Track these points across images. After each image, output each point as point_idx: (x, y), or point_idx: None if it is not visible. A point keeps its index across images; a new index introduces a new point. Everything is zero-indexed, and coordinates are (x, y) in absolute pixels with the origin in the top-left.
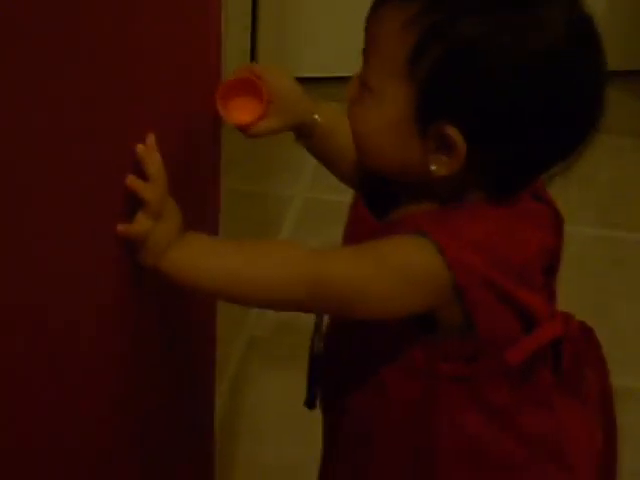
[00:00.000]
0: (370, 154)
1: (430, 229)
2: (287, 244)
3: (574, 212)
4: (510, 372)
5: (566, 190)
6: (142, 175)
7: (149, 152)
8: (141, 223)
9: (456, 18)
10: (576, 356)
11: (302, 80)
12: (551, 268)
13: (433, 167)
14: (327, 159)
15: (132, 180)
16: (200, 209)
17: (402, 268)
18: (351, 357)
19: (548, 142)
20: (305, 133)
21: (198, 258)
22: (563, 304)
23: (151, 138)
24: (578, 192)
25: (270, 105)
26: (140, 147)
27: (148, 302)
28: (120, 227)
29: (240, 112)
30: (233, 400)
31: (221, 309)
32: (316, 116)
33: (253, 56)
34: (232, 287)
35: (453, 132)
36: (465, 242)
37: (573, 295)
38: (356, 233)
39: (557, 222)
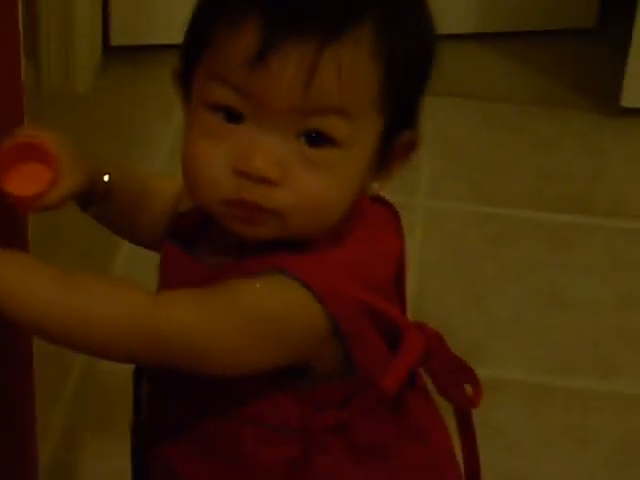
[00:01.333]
0: (329, 218)
1: (287, 263)
2: (124, 283)
3: (443, 186)
4: (386, 404)
5: (431, 162)
6: None
7: None
8: None
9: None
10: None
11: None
12: (399, 275)
13: (375, 185)
14: (122, 220)
15: None
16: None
17: (261, 315)
18: (191, 421)
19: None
20: (95, 197)
21: (17, 281)
22: (438, 288)
23: None
24: (446, 164)
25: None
26: None
27: None
28: None
29: (24, 184)
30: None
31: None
32: (106, 177)
33: (105, 21)
34: (53, 323)
35: (413, 134)
36: (329, 268)
37: (446, 278)
38: (179, 276)
39: (398, 223)
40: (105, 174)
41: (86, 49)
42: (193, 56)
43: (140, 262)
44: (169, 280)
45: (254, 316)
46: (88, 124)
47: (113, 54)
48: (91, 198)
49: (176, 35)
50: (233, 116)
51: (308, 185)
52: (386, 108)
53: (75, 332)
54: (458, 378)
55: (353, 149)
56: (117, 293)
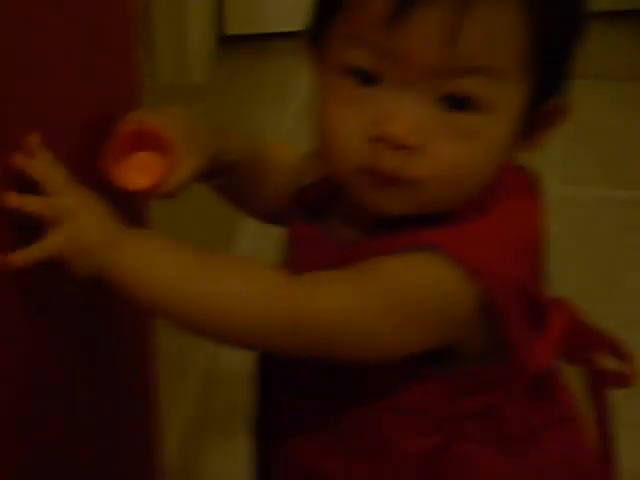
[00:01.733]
0: (468, 189)
1: (435, 239)
2: (260, 265)
3: (575, 171)
4: (534, 387)
5: (563, 146)
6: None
7: (30, 159)
8: (52, 239)
9: None
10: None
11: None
12: (539, 247)
13: (520, 154)
14: (245, 192)
15: (12, 198)
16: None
17: (406, 296)
18: (328, 414)
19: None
20: (217, 172)
21: (155, 267)
22: (571, 277)
23: (33, 140)
24: (578, 147)
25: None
26: (18, 157)
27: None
28: (29, 252)
29: (138, 175)
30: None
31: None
32: (229, 154)
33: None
34: (188, 308)
35: (562, 100)
36: (479, 242)
37: (580, 266)
38: (309, 252)
39: (539, 193)
40: (227, 150)
41: (200, 40)
42: (325, 20)
43: (263, 247)
44: (298, 256)
45: (399, 297)
46: (204, 114)
47: (228, 43)
48: (213, 173)
49: (290, 22)
50: (369, 79)
51: (449, 152)
52: (534, 70)
53: (210, 316)
54: (599, 352)
55: (497, 114)
56: (254, 275)
